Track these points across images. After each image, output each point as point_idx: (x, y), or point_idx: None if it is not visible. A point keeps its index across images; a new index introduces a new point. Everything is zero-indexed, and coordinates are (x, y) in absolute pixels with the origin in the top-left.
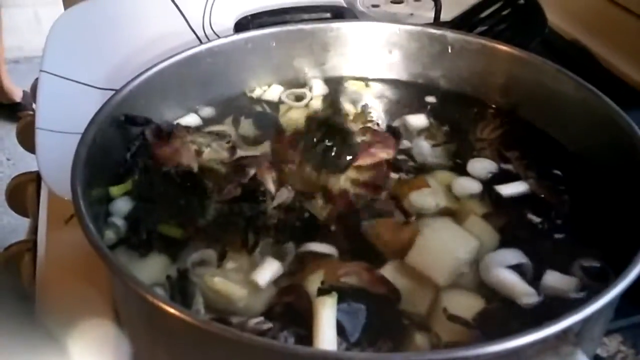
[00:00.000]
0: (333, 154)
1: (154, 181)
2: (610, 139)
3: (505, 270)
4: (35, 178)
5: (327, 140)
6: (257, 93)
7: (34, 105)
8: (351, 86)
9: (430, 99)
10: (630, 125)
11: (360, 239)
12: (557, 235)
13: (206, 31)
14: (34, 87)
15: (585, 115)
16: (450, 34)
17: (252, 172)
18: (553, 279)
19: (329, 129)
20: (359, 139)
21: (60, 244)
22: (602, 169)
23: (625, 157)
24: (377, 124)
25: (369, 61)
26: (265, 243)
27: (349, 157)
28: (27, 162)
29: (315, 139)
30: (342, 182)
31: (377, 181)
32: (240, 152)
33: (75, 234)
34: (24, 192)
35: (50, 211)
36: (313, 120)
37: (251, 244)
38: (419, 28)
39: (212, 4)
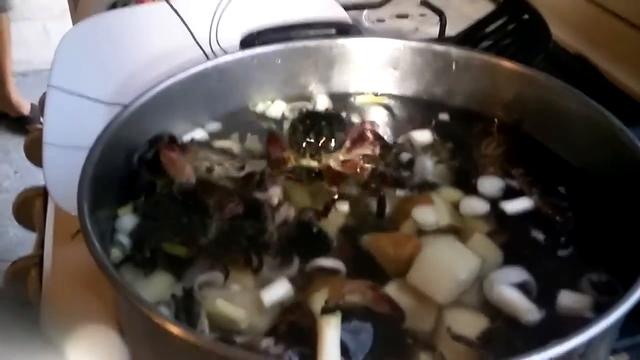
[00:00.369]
0: (325, 136)
1: (158, 199)
2: (614, 155)
3: (507, 287)
4: (43, 192)
5: (316, 127)
6: (260, 108)
7: (41, 119)
8: (357, 100)
9: (436, 115)
10: (633, 141)
11: (364, 255)
12: (562, 253)
13: (213, 47)
14: (42, 101)
15: (589, 131)
16: (454, 50)
17: (273, 190)
18: (567, 298)
19: (315, 118)
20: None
21: (66, 258)
22: (607, 185)
23: (629, 173)
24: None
25: (374, 77)
26: (271, 259)
27: (341, 134)
28: (34, 175)
29: (303, 129)
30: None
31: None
32: (247, 168)
33: (82, 248)
34: (31, 206)
35: (57, 226)
36: (297, 118)
37: (256, 263)
38: (423, 44)
39: (219, 20)
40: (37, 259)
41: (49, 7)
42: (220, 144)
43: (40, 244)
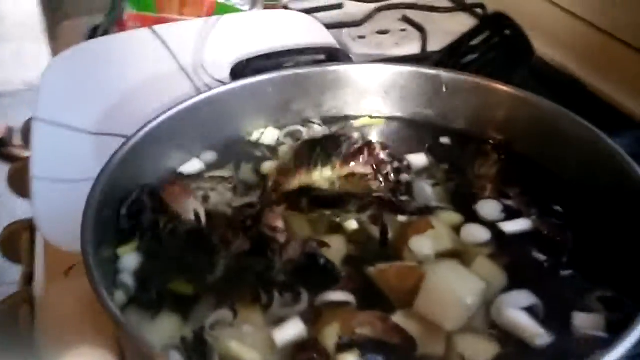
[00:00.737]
0: (333, 146)
1: (162, 237)
2: (608, 172)
3: (516, 311)
4: (29, 226)
5: (320, 143)
6: (255, 137)
7: (13, 140)
8: (355, 124)
9: (430, 137)
10: (631, 164)
11: (371, 284)
12: (565, 272)
13: (199, 74)
14: (26, 130)
15: (582, 150)
16: (444, 74)
17: (277, 225)
18: (577, 319)
19: (316, 140)
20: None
21: (59, 295)
22: (602, 202)
23: (624, 190)
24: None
25: (366, 101)
26: (279, 295)
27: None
28: (13, 201)
29: (308, 148)
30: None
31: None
32: (246, 198)
33: (75, 284)
34: (18, 240)
35: (48, 261)
36: (300, 144)
37: (265, 300)
38: (413, 68)
39: (203, 46)
40: (26, 294)
41: (24, 27)
42: (215, 173)
43: (27, 277)
